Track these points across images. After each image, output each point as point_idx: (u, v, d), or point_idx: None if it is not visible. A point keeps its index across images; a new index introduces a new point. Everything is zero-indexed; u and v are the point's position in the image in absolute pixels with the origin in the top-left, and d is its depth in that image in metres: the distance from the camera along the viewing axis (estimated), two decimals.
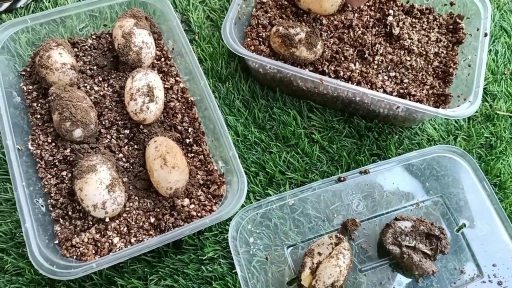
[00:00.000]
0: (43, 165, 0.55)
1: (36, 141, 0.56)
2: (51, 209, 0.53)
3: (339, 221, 0.59)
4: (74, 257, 0.50)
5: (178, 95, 0.61)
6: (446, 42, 0.68)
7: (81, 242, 0.51)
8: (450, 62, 0.66)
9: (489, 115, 0.68)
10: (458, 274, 0.56)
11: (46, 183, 0.54)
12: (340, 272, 0.52)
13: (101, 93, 0.59)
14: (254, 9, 0.69)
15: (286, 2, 0.69)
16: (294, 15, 0.68)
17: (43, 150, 0.55)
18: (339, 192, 0.60)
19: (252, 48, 0.65)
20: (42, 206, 0.52)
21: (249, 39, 0.66)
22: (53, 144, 0.56)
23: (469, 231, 0.59)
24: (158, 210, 0.54)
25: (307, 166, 0.63)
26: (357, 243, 0.58)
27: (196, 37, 0.72)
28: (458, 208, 0.60)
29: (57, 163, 0.55)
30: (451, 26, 0.69)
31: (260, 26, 0.67)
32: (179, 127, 0.58)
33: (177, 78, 0.62)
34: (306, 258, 0.54)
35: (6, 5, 0.70)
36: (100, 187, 0.50)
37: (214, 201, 0.55)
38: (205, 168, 0.57)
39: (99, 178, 0.50)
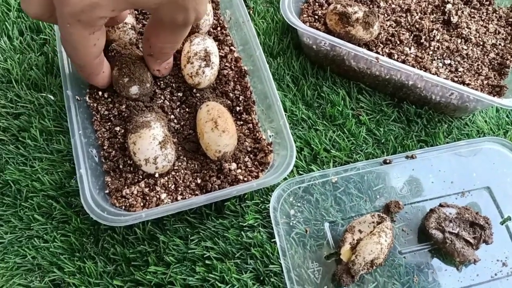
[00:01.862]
0: (98, 118, 0.56)
1: (94, 95, 0.57)
2: (103, 160, 0.54)
3: (381, 203, 0.58)
4: (123, 207, 0.51)
5: (232, 64, 0.61)
6: (504, 35, 0.66)
7: (131, 194, 0.52)
8: (507, 54, 0.64)
9: None
10: (499, 266, 0.55)
11: (100, 136, 0.55)
12: (381, 250, 0.52)
13: None
14: None
15: None
16: None
17: (100, 104, 0.57)
18: (384, 175, 0.60)
19: (308, 24, 0.65)
20: (96, 156, 0.54)
21: (305, 15, 0.66)
22: (109, 99, 0.57)
23: None
24: (205, 172, 0.55)
25: (352, 147, 0.63)
26: (398, 226, 0.57)
27: (251, 11, 0.72)
28: (504, 201, 0.59)
29: (111, 118, 0.56)
30: (511, 20, 0.68)
31: (316, 3, 0.67)
32: (230, 95, 0.59)
33: (232, 48, 0.63)
34: (346, 234, 0.54)
35: None
36: (153, 143, 0.51)
37: (260, 168, 0.55)
38: (254, 136, 0.58)
39: (153, 134, 0.52)
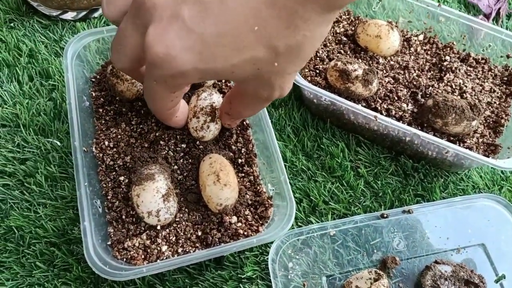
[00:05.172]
0: (103, 168, 0.58)
1: (100, 145, 0.59)
2: (106, 210, 0.55)
3: (378, 257, 0.59)
4: (124, 259, 0.52)
5: None
6: (499, 93, 0.69)
7: (132, 246, 0.53)
8: (502, 113, 0.67)
9: None
10: None
11: (105, 185, 0.57)
12: None
13: None
14: None
15: (345, 38, 0.72)
16: (352, 51, 0.71)
17: (105, 154, 0.58)
18: (381, 229, 0.61)
19: (309, 79, 0.67)
20: (99, 207, 0.55)
21: (306, 70, 0.68)
22: (115, 149, 0.59)
23: (508, 283, 0.59)
24: (206, 224, 0.56)
25: (350, 199, 0.64)
26: (394, 281, 0.58)
27: None
28: (498, 259, 0.60)
29: (116, 168, 0.58)
30: (506, 78, 0.70)
31: (318, 58, 0.70)
32: (233, 147, 0.61)
33: None
34: None
35: (83, 13, 0.75)
36: (156, 196, 0.52)
37: (260, 222, 0.56)
38: (254, 189, 0.59)
39: (156, 187, 0.53)
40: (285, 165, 0.66)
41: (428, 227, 0.61)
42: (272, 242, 0.58)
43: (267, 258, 0.57)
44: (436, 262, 0.58)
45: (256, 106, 0.52)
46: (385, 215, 0.61)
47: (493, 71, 0.71)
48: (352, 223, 0.61)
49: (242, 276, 0.58)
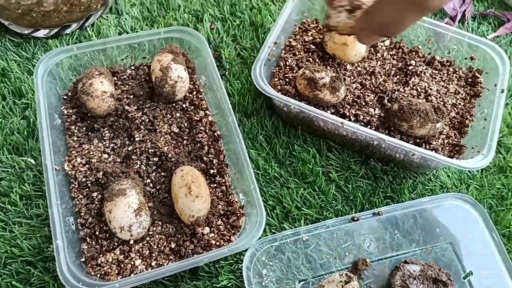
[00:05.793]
0: (76, 186, 0.58)
1: (72, 162, 0.60)
2: (80, 227, 0.56)
3: (350, 260, 0.61)
4: (98, 275, 0.53)
5: (206, 128, 0.64)
6: (464, 95, 0.71)
7: (106, 262, 0.54)
8: (467, 114, 0.69)
9: (502, 167, 0.70)
10: None
11: (78, 202, 0.58)
12: None
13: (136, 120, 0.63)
14: (283, 51, 0.73)
15: (313, 47, 0.73)
16: (320, 59, 0.72)
17: (78, 171, 0.59)
18: (352, 232, 0.63)
19: (279, 87, 0.69)
20: (73, 224, 0.56)
21: (276, 79, 0.70)
22: (87, 166, 0.60)
23: (475, 280, 0.60)
24: (179, 236, 0.57)
25: (322, 204, 0.66)
26: (366, 283, 0.60)
27: (226, 72, 0.76)
28: (466, 256, 0.62)
29: (89, 185, 0.59)
30: (470, 80, 0.72)
31: (287, 67, 0.71)
32: (204, 158, 0.62)
33: (207, 112, 0.66)
34: None
35: (54, 31, 0.75)
36: (128, 211, 0.53)
37: (232, 231, 0.58)
38: (226, 199, 0.60)
39: (128, 202, 0.54)
40: (258, 173, 0.67)
41: (397, 228, 0.63)
42: (246, 250, 0.59)
43: (242, 266, 0.59)
44: (405, 262, 0.60)
45: (403, 8, 0.43)
46: (355, 218, 0.63)
47: (457, 73, 0.73)
48: (324, 227, 0.62)
49: (217, 285, 0.59)
